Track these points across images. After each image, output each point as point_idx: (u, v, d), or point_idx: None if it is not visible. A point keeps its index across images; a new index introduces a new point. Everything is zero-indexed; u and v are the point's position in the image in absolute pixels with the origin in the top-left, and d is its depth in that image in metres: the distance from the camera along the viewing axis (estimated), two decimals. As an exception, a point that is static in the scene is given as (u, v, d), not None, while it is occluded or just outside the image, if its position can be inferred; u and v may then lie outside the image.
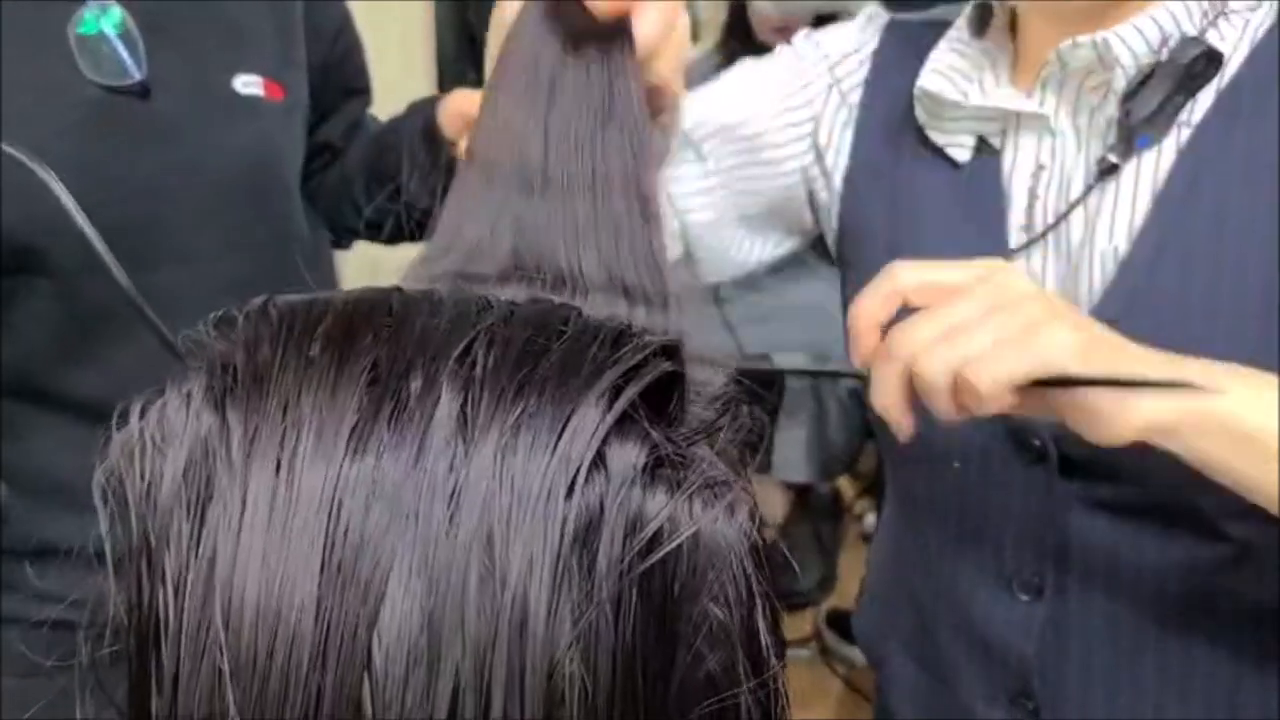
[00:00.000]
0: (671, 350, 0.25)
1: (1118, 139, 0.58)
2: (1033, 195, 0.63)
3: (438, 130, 0.82)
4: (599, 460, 0.23)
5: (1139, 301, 0.57)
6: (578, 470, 0.23)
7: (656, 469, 0.24)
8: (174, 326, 0.26)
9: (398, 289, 0.27)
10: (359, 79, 0.96)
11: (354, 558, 0.22)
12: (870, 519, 2.35)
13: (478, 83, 1.71)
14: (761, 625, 0.25)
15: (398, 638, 0.22)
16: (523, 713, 0.22)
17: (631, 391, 0.24)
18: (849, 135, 0.71)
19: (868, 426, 2.04)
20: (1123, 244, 0.58)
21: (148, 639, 0.24)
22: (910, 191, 0.67)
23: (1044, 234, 0.61)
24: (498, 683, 0.22)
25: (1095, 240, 0.59)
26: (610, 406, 0.24)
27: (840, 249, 0.73)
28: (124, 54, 0.71)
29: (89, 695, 0.27)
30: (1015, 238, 0.63)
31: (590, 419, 0.23)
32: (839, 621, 2.06)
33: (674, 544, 0.23)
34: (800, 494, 2.03)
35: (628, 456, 0.24)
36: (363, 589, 0.22)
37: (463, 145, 0.79)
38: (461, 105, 0.80)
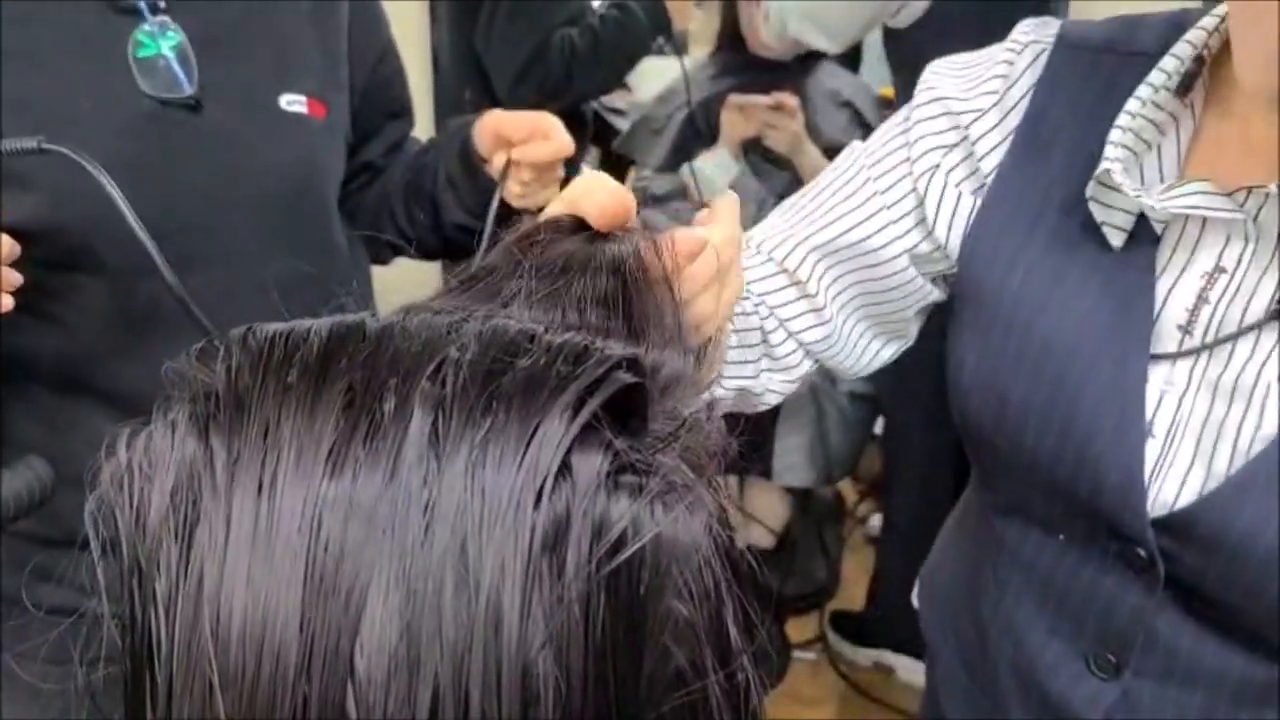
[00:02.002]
0: (632, 363, 0.27)
1: None
2: (1201, 299, 0.56)
3: (473, 149, 0.85)
4: (564, 469, 0.25)
5: None
6: (544, 480, 0.24)
7: (620, 475, 0.25)
8: (218, 326, 0.28)
9: (371, 315, 0.28)
10: (401, 102, 1.00)
11: (334, 572, 0.24)
12: (875, 521, 2.36)
13: (474, 101, 1.73)
14: (729, 621, 0.26)
15: (378, 646, 0.23)
16: (500, 713, 0.23)
17: (594, 403, 0.25)
18: (975, 196, 0.63)
19: (868, 430, 2.05)
20: None
21: (141, 657, 0.25)
22: (1048, 257, 0.60)
23: (1207, 347, 0.55)
24: (475, 685, 0.23)
25: (1263, 372, 0.54)
26: (574, 418, 0.25)
27: (957, 302, 0.67)
28: (178, 69, 0.76)
29: (85, 714, 0.28)
30: (1168, 337, 0.57)
31: (555, 431, 0.25)
32: (843, 624, 2.07)
33: (637, 546, 0.24)
34: (802, 498, 2.03)
35: (592, 465, 0.25)
36: (344, 601, 0.23)
37: (496, 163, 0.83)
38: (496, 125, 0.83)
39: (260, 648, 0.24)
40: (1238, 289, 0.55)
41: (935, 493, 1.71)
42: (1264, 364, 0.54)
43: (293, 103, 0.82)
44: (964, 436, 0.68)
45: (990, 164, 0.63)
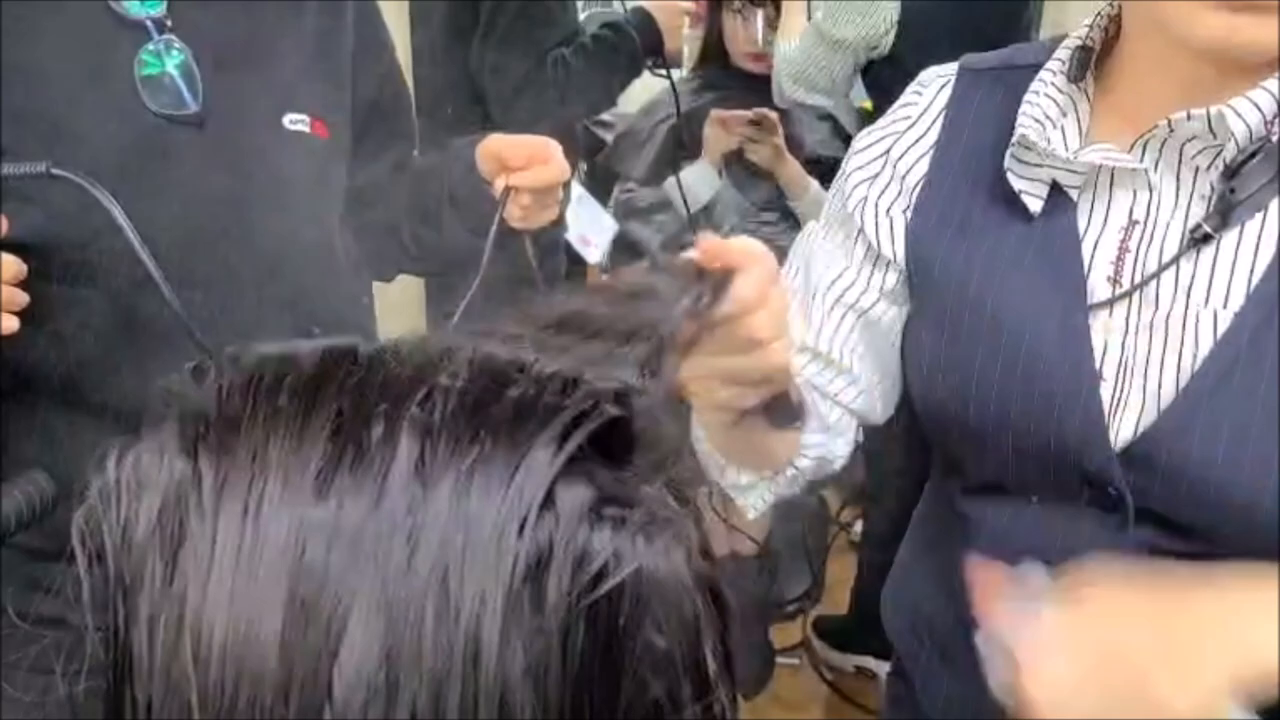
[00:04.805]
0: (620, 396, 0.27)
1: (1216, 210, 0.59)
2: (1123, 249, 0.62)
3: (475, 170, 0.86)
4: (549, 501, 0.25)
5: (1243, 367, 0.58)
6: (529, 510, 0.25)
7: (603, 508, 0.25)
8: (220, 341, 0.28)
9: (363, 339, 0.28)
10: (404, 123, 1.00)
11: (316, 596, 0.24)
12: (859, 527, 2.37)
13: (456, 117, 1.73)
14: (708, 653, 0.27)
15: (357, 671, 0.23)
16: None
17: (580, 435, 0.25)
18: (906, 213, 0.69)
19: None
20: (1221, 308, 0.59)
21: (123, 674, 0.25)
22: (983, 241, 0.66)
23: (1134, 290, 0.61)
24: (452, 712, 0.23)
25: (1190, 301, 0.60)
26: (560, 450, 0.25)
27: (913, 304, 0.72)
28: (183, 86, 0.76)
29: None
30: (1100, 289, 0.63)
31: (541, 462, 0.25)
32: (827, 629, 2.08)
33: (618, 579, 0.25)
34: (786, 504, 2.04)
35: (576, 497, 0.25)
36: (324, 626, 0.24)
37: (498, 185, 0.84)
38: (497, 149, 0.84)
39: (240, 669, 0.24)
40: (1151, 235, 0.62)
41: (917, 499, 1.72)
42: (1188, 297, 0.60)
43: (296, 122, 0.82)
44: (931, 427, 0.72)
45: (915, 178, 0.70)
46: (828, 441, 0.71)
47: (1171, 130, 0.59)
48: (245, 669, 0.24)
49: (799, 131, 1.92)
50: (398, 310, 1.80)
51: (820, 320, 0.71)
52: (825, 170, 1.91)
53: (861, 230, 0.71)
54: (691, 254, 0.47)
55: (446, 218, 0.90)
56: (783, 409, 0.55)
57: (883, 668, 1.98)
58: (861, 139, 0.73)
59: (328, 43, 0.87)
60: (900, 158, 0.70)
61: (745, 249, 0.48)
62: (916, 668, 0.81)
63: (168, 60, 0.76)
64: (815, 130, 1.94)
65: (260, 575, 0.24)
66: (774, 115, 1.81)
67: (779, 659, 2.02)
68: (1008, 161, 0.65)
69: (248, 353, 0.27)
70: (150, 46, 0.75)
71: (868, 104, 1.87)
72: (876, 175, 0.71)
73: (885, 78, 1.72)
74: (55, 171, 0.64)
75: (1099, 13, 0.65)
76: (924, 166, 0.69)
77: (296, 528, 0.24)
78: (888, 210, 0.70)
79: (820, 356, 0.71)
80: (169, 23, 0.76)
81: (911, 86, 0.73)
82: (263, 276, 0.80)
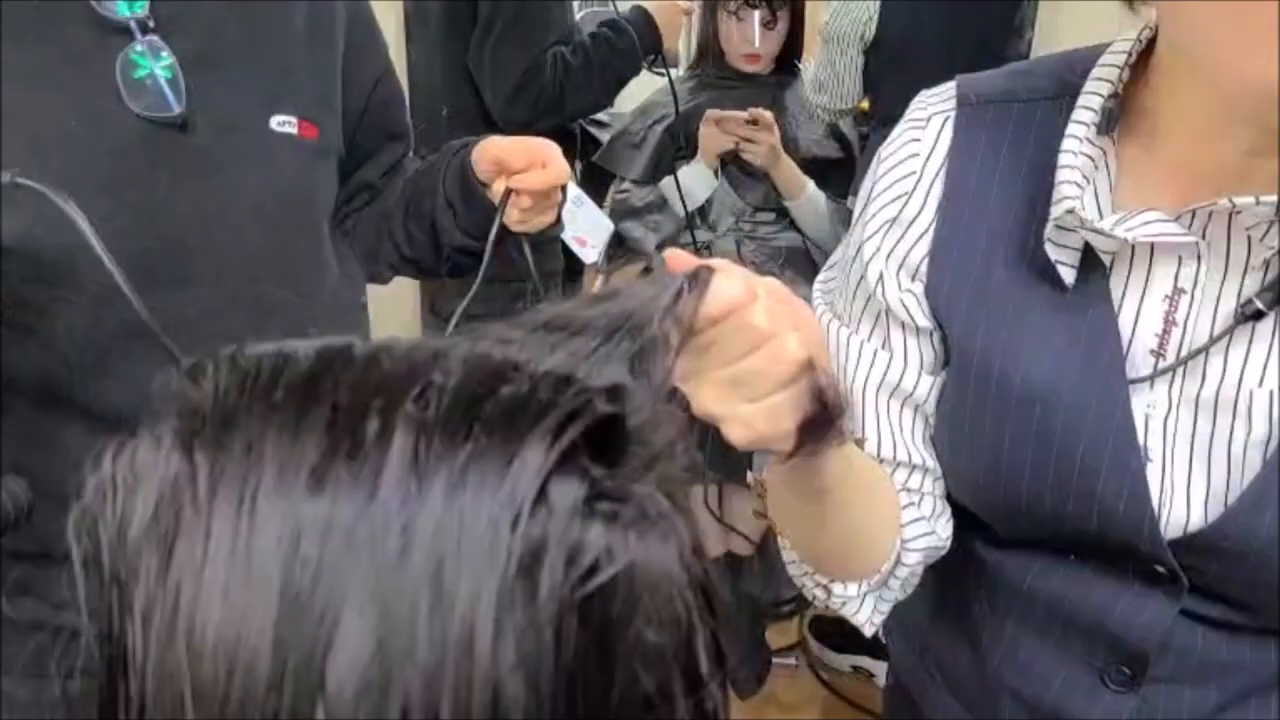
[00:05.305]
0: (613, 393, 0.27)
1: (1269, 286, 0.55)
2: (1169, 321, 0.58)
3: (471, 172, 0.86)
4: (542, 496, 0.25)
5: None
6: (522, 505, 0.25)
7: (596, 503, 0.26)
8: (208, 345, 0.28)
9: (359, 339, 0.28)
10: (399, 124, 1.00)
11: (310, 589, 0.24)
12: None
13: (451, 118, 1.73)
14: (700, 648, 0.27)
15: (350, 663, 0.24)
16: None
17: (573, 432, 0.26)
18: (919, 280, 0.65)
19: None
20: (1277, 388, 0.56)
21: (117, 667, 0.25)
22: (1006, 310, 0.61)
23: (1179, 364, 0.58)
24: (445, 704, 0.24)
25: (1244, 380, 0.56)
26: (553, 445, 0.25)
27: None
28: (166, 89, 0.76)
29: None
30: (1141, 362, 0.59)
31: (534, 458, 0.25)
32: (823, 629, 2.08)
33: (610, 573, 0.25)
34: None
35: (569, 492, 0.25)
36: (318, 617, 0.24)
37: (496, 189, 0.84)
38: (495, 152, 0.84)
39: (233, 662, 0.24)
40: (1200, 307, 0.58)
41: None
42: (1241, 372, 0.56)
43: (283, 123, 0.82)
44: (955, 490, 0.68)
45: (926, 242, 0.64)
46: (930, 529, 0.67)
47: (1229, 203, 0.54)
48: (239, 662, 0.24)
49: (796, 131, 1.92)
50: (392, 312, 1.80)
51: (876, 426, 0.67)
52: (821, 170, 1.91)
53: (889, 309, 0.65)
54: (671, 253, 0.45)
55: (442, 220, 0.90)
56: (817, 417, 0.48)
57: (879, 667, 1.99)
58: (868, 204, 0.67)
59: (318, 43, 0.86)
60: (911, 223, 0.64)
61: (718, 262, 0.45)
62: (924, 695, 0.78)
63: (153, 62, 0.75)
64: (812, 130, 1.95)
65: (254, 568, 0.24)
66: (769, 115, 1.81)
67: (775, 659, 2.02)
68: (1049, 231, 0.59)
69: (244, 351, 0.27)
70: (135, 48, 0.75)
71: (863, 104, 1.88)
72: (880, 247, 0.66)
73: (877, 71, 1.74)
74: (21, 181, 0.63)
75: (1127, 52, 0.60)
76: (935, 228, 0.64)
77: (291, 521, 0.25)
78: (895, 274, 0.65)
79: (889, 461, 0.67)
80: (152, 23, 0.76)
81: (907, 127, 0.66)
82: (251, 280, 0.79)
